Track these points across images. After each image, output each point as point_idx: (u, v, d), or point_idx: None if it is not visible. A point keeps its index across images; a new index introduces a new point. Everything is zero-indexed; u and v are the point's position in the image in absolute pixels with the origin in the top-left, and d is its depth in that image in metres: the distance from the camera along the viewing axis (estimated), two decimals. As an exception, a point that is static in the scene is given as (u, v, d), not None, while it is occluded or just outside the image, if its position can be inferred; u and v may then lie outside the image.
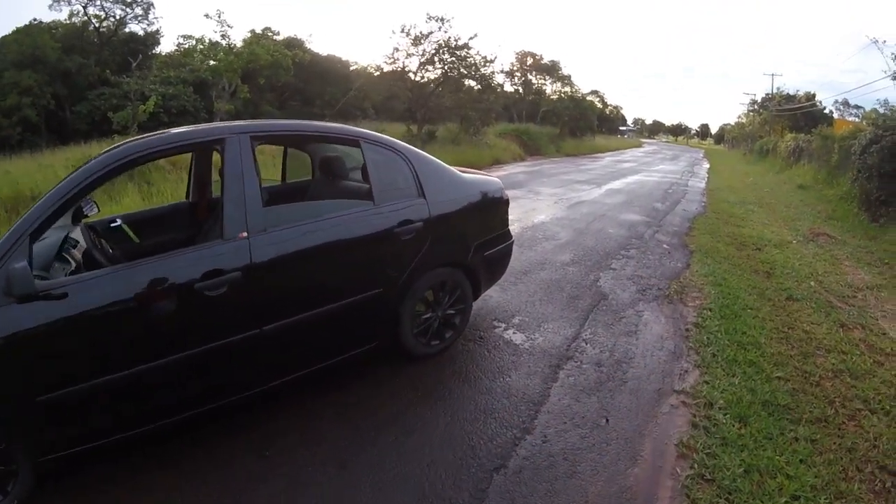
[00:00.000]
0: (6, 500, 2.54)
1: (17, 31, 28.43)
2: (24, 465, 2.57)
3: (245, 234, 2.94)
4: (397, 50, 23.06)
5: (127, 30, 31.98)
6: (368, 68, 25.53)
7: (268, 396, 3.28)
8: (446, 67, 23.17)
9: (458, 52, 22.85)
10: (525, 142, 29.36)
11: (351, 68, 34.18)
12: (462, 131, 24.29)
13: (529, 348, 4.30)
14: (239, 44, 21.94)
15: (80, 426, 2.68)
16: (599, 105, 53.64)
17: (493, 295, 5.34)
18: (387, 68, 24.14)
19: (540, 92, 44.97)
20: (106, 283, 2.65)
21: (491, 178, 4.69)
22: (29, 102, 26.76)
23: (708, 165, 30.55)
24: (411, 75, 23.58)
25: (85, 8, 29.68)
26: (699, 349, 4.35)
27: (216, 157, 3.41)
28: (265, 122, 3.74)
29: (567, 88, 43.32)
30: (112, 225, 4.16)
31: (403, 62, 23.47)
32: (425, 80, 24.06)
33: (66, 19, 30.09)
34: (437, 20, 22.47)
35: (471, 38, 23.01)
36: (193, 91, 28.70)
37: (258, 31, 23.16)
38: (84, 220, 3.92)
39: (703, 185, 18.05)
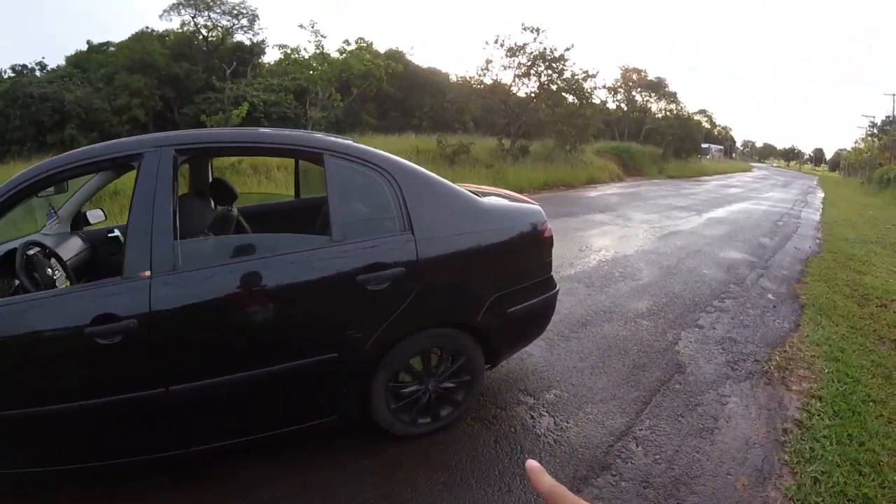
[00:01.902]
0: None
1: (132, 38, 30.96)
2: None
3: (148, 273, 2.34)
4: (490, 62, 22.15)
5: (235, 39, 33.30)
6: (461, 80, 24.61)
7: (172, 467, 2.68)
8: (543, 80, 21.98)
9: (554, 65, 21.58)
10: (625, 161, 27.41)
11: (452, 80, 33.82)
12: (557, 147, 22.87)
13: (554, 443, 3.11)
14: (335, 54, 22.06)
15: None
16: (707, 125, 50.48)
17: (533, 352, 4.24)
18: (482, 80, 23.19)
19: (644, 109, 42.62)
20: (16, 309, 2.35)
21: (529, 207, 3.54)
22: (138, 103, 29.22)
23: (822, 195, 26.73)
24: (506, 87, 22.57)
25: (194, 18, 31.20)
26: (797, 467, 2.98)
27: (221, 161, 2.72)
28: (197, 133, 2.95)
29: (672, 106, 40.63)
30: (110, 235, 3.93)
31: (497, 74, 22.54)
32: (520, 92, 23.01)
33: (178, 28, 32.05)
34: (532, 31, 21.34)
35: (567, 50, 21.63)
36: (294, 98, 29.48)
37: (351, 41, 22.90)
38: (86, 229, 3.89)
39: (817, 217, 15.44)
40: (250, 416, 2.72)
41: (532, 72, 21.72)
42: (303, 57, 22.03)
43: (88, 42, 34.36)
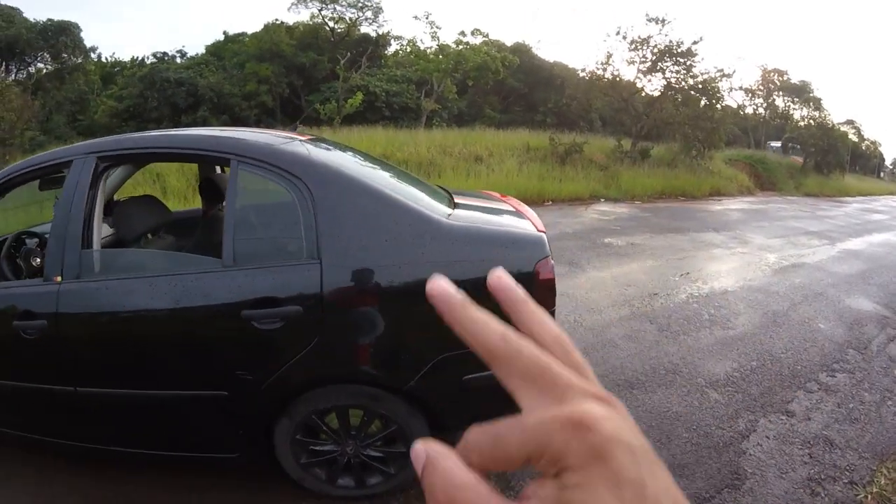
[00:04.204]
0: None
1: (263, 29, 33.34)
2: None
3: (59, 278, 2.42)
4: (611, 55, 20.52)
5: (361, 31, 34.27)
6: (588, 75, 23.10)
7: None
8: (669, 78, 20.00)
9: (681, 60, 19.54)
10: (758, 172, 24.01)
11: (580, 76, 32.33)
12: (682, 153, 20.54)
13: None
14: (454, 45, 21.77)
15: None
16: (854, 138, 43.43)
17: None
18: (603, 75, 21.58)
19: (786, 116, 37.48)
20: None
21: (523, 234, 2.56)
22: (266, 90, 31.35)
23: None
24: (628, 84, 20.85)
25: (320, 11, 32.68)
26: None
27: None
28: (119, 139, 2.83)
29: (816, 113, 34.22)
30: None
31: (619, 69, 20.83)
32: (644, 90, 21.19)
33: (308, 20, 33.57)
34: (657, 21, 19.45)
35: (694, 43, 19.45)
36: (416, 89, 29.48)
37: (468, 32, 22.38)
38: None
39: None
40: (149, 432, 2.65)
41: (658, 67, 19.86)
42: (419, 48, 21.99)
43: (224, 32, 37.39)
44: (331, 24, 33.17)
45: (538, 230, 2.59)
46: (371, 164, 3.10)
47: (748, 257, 8.54)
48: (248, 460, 2.65)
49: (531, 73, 35.60)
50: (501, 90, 35.43)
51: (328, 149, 2.93)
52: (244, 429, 2.50)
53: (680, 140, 20.83)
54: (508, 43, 34.24)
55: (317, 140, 3.11)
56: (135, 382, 2.48)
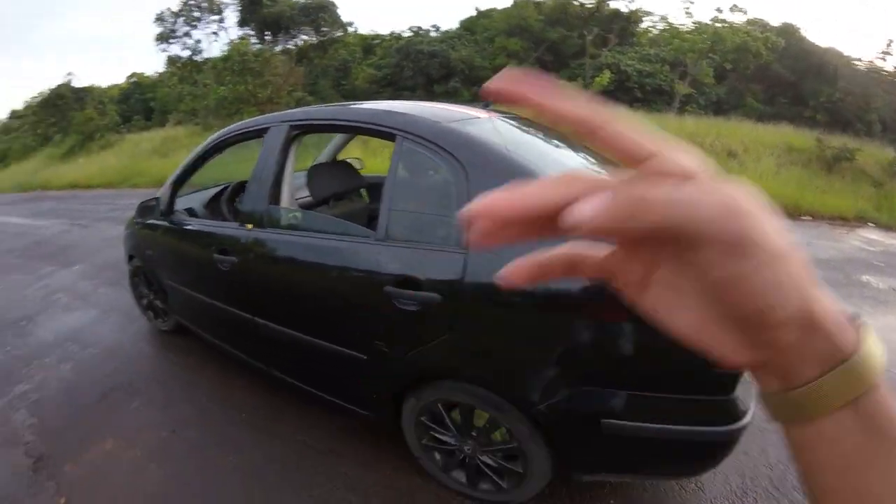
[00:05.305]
0: None
1: (513, 5, 34.22)
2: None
3: (250, 225, 2.90)
4: (892, 42, 17.06)
5: (611, 6, 32.52)
6: (858, 64, 19.59)
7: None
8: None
9: None
10: None
11: (856, 66, 27.33)
12: None
13: None
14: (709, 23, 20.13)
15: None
16: None
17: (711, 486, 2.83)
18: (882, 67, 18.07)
19: None
20: (194, 227, 3.54)
21: None
22: (514, 64, 32.74)
23: None
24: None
25: None
26: None
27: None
28: (309, 110, 3.11)
29: None
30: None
31: (902, 61, 17.28)
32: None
33: None
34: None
35: None
36: (670, 70, 27.73)
37: (724, 9, 20.31)
38: None
39: None
40: (305, 368, 3.01)
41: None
42: (672, 25, 20.70)
43: (476, 8, 39.77)
44: (579, -2, 32.43)
45: None
46: (565, 150, 2.80)
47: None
48: (377, 422, 2.81)
49: (800, 59, 30.93)
50: (765, 77, 31.28)
51: (517, 128, 2.77)
52: (377, 394, 2.63)
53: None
54: (774, 23, 30.37)
55: (510, 117, 2.97)
56: (295, 325, 2.83)
